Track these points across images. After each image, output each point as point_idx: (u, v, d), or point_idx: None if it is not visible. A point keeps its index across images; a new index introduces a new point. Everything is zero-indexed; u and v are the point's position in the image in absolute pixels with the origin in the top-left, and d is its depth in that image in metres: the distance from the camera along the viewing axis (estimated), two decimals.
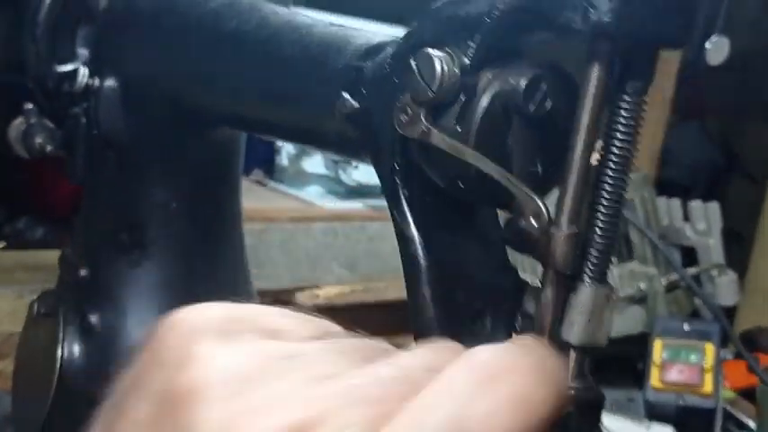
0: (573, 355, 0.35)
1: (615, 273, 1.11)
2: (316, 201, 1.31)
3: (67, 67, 0.69)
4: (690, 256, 1.29)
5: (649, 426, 0.98)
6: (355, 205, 1.30)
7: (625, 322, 1.12)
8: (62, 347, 0.61)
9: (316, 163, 1.33)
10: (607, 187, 0.32)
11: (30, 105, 0.71)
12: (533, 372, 0.25)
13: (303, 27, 0.47)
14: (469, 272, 0.38)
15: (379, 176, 0.39)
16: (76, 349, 0.61)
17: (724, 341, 1.15)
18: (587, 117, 0.31)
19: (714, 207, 1.28)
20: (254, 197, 1.25)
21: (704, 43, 0.31)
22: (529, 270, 0.46)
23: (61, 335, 0.61)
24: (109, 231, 0.63)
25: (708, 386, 0.97)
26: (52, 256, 0.68)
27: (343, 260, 1.22)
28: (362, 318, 0.59)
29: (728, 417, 1.08)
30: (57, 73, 0.69)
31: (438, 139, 0.33)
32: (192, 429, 0.24)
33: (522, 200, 0.30)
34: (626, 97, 0.32)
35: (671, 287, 1.18)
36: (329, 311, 0.41)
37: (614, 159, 0.32)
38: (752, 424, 1.09)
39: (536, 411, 0.24)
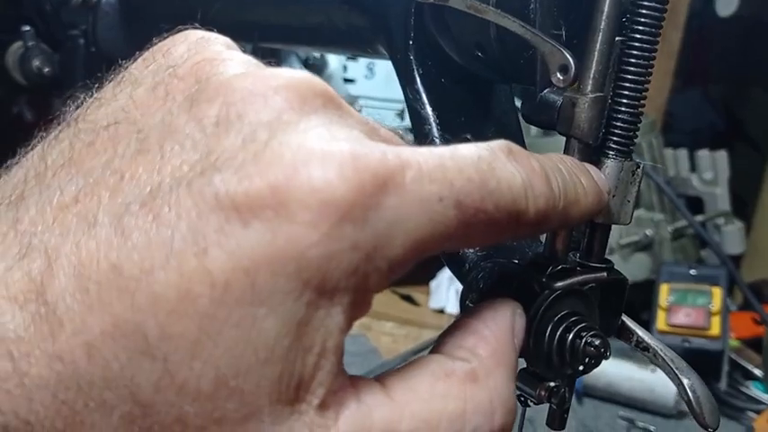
0: (595, 234, 0.33)
1: None
2: None
3: None
4: (696, 207, 1.27)
5: (654, 369, 0.96)
6: None
7: (630, 269, 1.10)
8: None
9: None
10: (634, 52, 0.31)
11: (27, 27, 0.69)
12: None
13: None
14: None
15: (393, 59, 0.37)
16: None
17: (730, 291, 1.13)
18: None
19: (722, 155, 1.26)
20: None
21: None
22: None
23: None
24: None
25: (715, 329, 0.95)
26: None
27: None
28: None
29: (734, 365, 1.07)
30: None
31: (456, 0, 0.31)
32: (211, 79, 0.22)
33: (548, 53, 0.28)
34: None
35: (677, 235, 1.16)
36: None
37: (642, 21, 0.30)
38: (758, 372, 1.08)
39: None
